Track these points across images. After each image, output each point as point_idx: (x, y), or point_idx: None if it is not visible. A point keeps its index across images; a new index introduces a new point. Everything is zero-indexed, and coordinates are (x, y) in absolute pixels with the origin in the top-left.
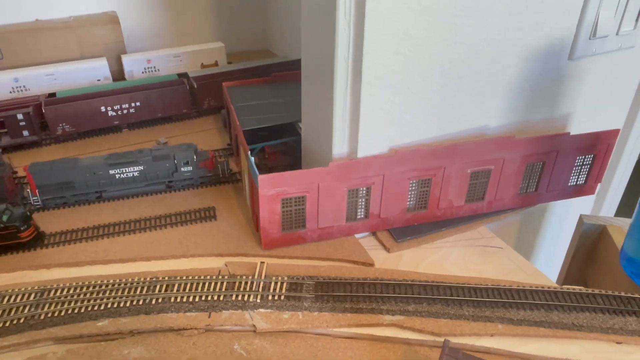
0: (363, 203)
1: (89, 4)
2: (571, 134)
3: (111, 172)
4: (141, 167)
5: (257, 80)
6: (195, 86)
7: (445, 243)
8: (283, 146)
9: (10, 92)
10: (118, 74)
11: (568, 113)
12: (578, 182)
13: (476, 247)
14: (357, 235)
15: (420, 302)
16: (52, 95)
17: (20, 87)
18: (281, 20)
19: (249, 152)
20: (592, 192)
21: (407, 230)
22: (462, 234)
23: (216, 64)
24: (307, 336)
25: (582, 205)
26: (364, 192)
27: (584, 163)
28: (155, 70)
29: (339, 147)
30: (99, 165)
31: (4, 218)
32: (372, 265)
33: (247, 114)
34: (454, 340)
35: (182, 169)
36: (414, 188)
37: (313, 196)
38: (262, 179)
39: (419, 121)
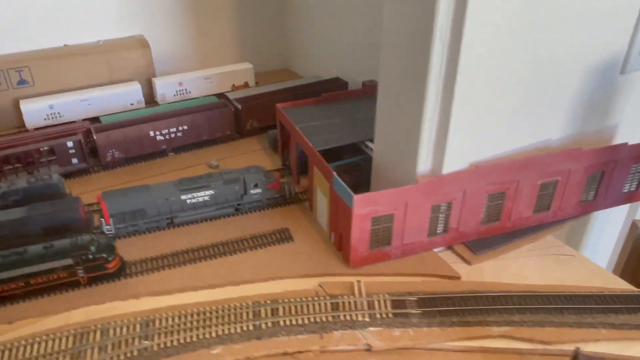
0: (442, 218)
1: (115, 28)
2: (620, 143)
3: (183, 197)
4: (212, 192)
5: (308, 100)
6: (240, 108)
7: (520, 253)
8: (345, 165)
9: (45, 119)
10: (148, 97)
11: (616, 124)
12: (630, 189)
13: (549, 255)
14: (435, 250)
15: (524, 312)
16: (95, 120)
17: (54, 113)
18: (302, 40)
19: (334, 173)
20: None
21: (482, 243)
22: (532, 243)
23: (247, 85)
24: (420, 352)
25: (617, 211)
26: (445, 207)
27: (637, 171)
28: (186, 93)
29: (424, 165)
30: (171, 191)
31: (92, 249)
32: (458, 278)
33: (314, 134)
34: (562, 347)
35: (252, 191)
36: (489, 202)
37: (400, 213)
38: (358, 198)
39: (495, 136)
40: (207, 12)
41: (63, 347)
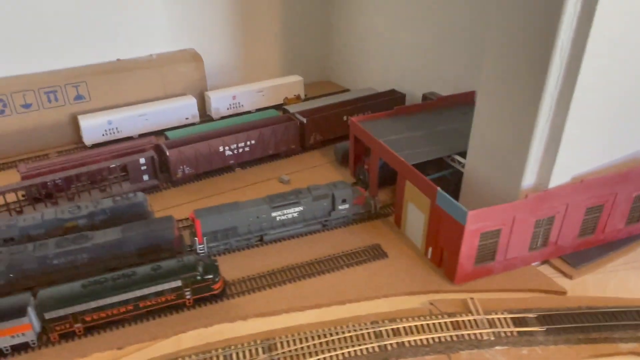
0: (543, 232)
1: (166, 42)
2: None
3: (273, 214)
4: (301, 208)
5: (381, 114)
6: (305, 122)
7: (617, 267)
8: (433, 179)
9: (103, 135)
10: (201, 110)
11: None
12: None
13: None
14: (533, 265)
15: None
16: (152, 134)
17: (113, 129)
18: (343, 53)
19: (438, 188)
20: None
21: (578, 256)
22: (626, 256)
23: (299, 98)
24: None
25: None
26: (546, 222)
27: None
28: (239, 106)
29: (529, 179)
30: (262, 208)
31: (200, 270)
32: (564, 293)
33: (400, 148)
34: None
35: (340, 207)
36: (587, 214)
37: (507, 229)
38: (471, 214)
39: (596, 149)
40: (254, 25)
41: None
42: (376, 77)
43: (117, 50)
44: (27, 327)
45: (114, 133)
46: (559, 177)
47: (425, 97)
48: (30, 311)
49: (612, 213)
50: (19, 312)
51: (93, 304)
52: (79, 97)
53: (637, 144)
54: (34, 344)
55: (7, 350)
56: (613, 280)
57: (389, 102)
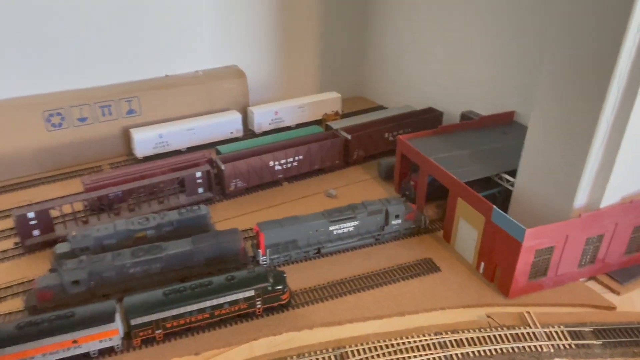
0: (592, 250)
1: (211, 59)
2: None
3: (331, 228)
4: (356, 222)
5: (426, 132)
6: (350, 138)
7: None
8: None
9: (154, 148)
10: (244, 125)
11: None
12: None
13: None
14: (580, 280)
15: None
16: (214, 149)
17: (163, 142)
18: (378, 71)
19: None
20: None
21: (624, 273)
22: None
23: (337, 114)
24: None
25: None
26: (596, 239)
27: None
28: (281, 121)
29: (581, 199)
30: (320, 222)
31: (271, 280)
32: (614, 308)
33: (450, 166)
34: None
35: (393, 222)
36: (634, 233)
37: (560, 246)
38: (529, 232)
39: None
40: (294, 42)
41: None
42: (410, 94)
43: (166, 66)
44: (115, 332)
45: (164, 146)
46: (610, 197)
47: (464, 115)
48: (118, 317)
49: None
50: (108, 318)
51: (174, 312)
52: (130, 112)
53: None
54: (118, 348)
55: (94, 354)
56: None
57: (427, 120)
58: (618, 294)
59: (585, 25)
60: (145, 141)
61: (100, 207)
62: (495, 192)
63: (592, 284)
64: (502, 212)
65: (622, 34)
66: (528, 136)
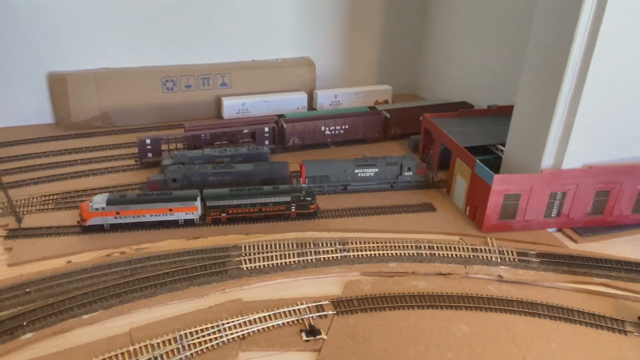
0: (557, 204)
1: (289, 50)
2: None
3: (356, 171)
4: (376, 170)
5: (448, 114)
6: (388, 116)
7: (619, 241)
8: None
9: (237, 113)
10: (309, 104)
11: None
12: None
13: None
14: (548, 230)
15: (620, 271)
16: (281, 116)
17: (244, 109)
18: (429, 71)
19: (477, 160)
20: None
21: (587, 230)
22: (630, 236)
23: (386, 102)
24: (538, 287)
25: None
26: (560, 196)
27: None
28: (339, 104)
29: (547, 161)
30: (349, 165)
31: (304, 193)
32: (567, 248)
33: (458, 136)
34: None
35: (405, 173)
36: (596, 197)
37: (525, 194)
38: (497, 178)
39: (605, 146)
40: (357, 43)
41: (290, 248)
42: (453, 91)
43: (254, 53)
44: (195, 209)
45: (244, 112)
46: (571, 162)
47: (488, 107)
48: (199, 199)
49: (619, 199)
50: (193, 198)
51: (235, 202)
52: (223, 84)
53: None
54: (197, 222)
55: (181, 222)
56: (611, 249)
57: (458, 109)
58: (576, 242)
59: (548, 24)
60: (231, 107)
61: (194, 145)
62: (490, 158)
63: (557, 234)
64: (481, 164)
65: (573, 31)
66: (514, 112)
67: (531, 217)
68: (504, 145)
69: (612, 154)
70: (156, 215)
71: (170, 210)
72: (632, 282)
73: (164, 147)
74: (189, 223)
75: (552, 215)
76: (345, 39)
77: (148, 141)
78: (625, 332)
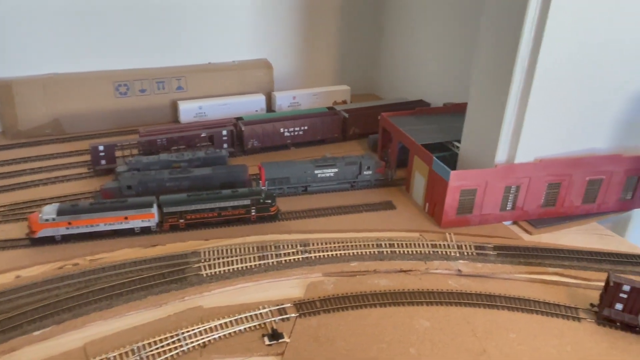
0: (511, 198)
1: (246, 52)
2: None
3: (316, 172)
4: (336, 170)
5: (405, 112)
6: (347, 116)
7: (570, 231)
8: (437, 158)
9: (194, 117)
10: (268, 106)
11: None
12: None
13: (594, 235)
14: (504, 223)
15: (572, 260)
16: (240, 119)
17: (201, 113)
18: (387, 70)
19: (434, 157)
20: None
21: (541, 221)
22: (580, 226)
23: (345, 102)
24: (496, 279)
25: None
26: (514, 189)
27: None
28: (298, 105)
29: (501, 156)
30: (308, 166)
31: (263, 195)
32: (522, 240)
33: (415, 134)
34: (599, 284)
35: (365, 172)
36: (548, 189)
37: (481, 189)
38: (453, 174)
39: (555, 140)
40: (315, 44)
41: (250, 251)
42: (411, 90)
43: (210, 55)
44: (152, 216)
45: (202, 116)
46: (523, 156)
47: (444, 105)
48: (155, 206)
49: (569, 191)
50: (149, 205)
51: (193, 207)
52: (179, 88)
53: (594, 143)
54: (154, 229)
55: (137, 229)
56: (564, 239)
57: (415, 107)
58: (530, 233)
59: (495, 22)
60: (188, 110)
61: (150, 151)
62: (446, 154)
63: (513, 227)
64: (438, 161)
65: (520, 27)
66: (468, 108)
67: (487, 211)
68: (460, 142)
69: (562, 147)
70: (111, 224)
71: (126, 218)
72: (583, 270)
73: (118, 153)
74: (145, 231)
75: (508, 208)
76: (303, 40)
77: (101, 148)
78: (579, 319)
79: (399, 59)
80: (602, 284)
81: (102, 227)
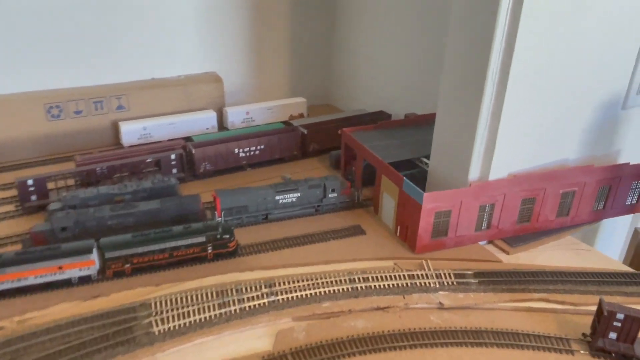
0: (486, 217)
1: (193, 65)
2: (623, 163)
3: (277, 197)
4: (299, 194)
5: (367, 127)
6: (306, 132)
7: (546, 248)
8: (406, 176)
9: (139, 139)
10: (219, 123)
11: (619, 150)
12: (632, 202)
13: (570, 250)
14: (479, 243)
15: (556, 283)
16: (189, 140)
17: (146, 134)
18: (343, 80)
19: (404, 178)
20: None
21: (516, 239)
22: (555, 241)
23: (302, 116)
24: (480, 310)
25: (622, 220)
26: (489, 208)
27: (637, 187)
28: (252, 121)
29: (474, 173)
30: (268, 192)
31: (220, 230)
32: (500, 262)
33: (380, 152)
34: (587, 308)
35: (330, 195)
36: (522, 205)
37: (456, 210)
38: (427, 196)
39: (528, 153)
40: (266, 54)
41: (209, 298)
42: (368, 101)
43: (153, 70)
44: (92, 263)
45: (147, 137)
46: (497, 172)
47: (406, 116)
48: (95, 251)
49: (544, 205)
50: (88, 251)
51: (140, 250)
52: (120, 107)
53: (565, 154)
54: (94, 277)
55: (75, 280)
56: (541, 257)
57: (376, 120)
58: (507, 253)
59: (463, 36)
60: (131, 132)
61: (89, 182)
62: (415, 172)
63: (489, 247)
64: (409, 182)
65: (490, 40)
66: (436, 124)
67: (463, 232)
68: (427, 157)
69: (534, 160)
70: (42, 275)
71: (60, 267)
72: (569, 293)
73: (51, 185)
74: (85, 280)
75: (483, 228)
76: (253, 50)
77: (30, 182)
78: (572, 352)
79: (355, 68)
80: (590, 308)
81: (32, 281)
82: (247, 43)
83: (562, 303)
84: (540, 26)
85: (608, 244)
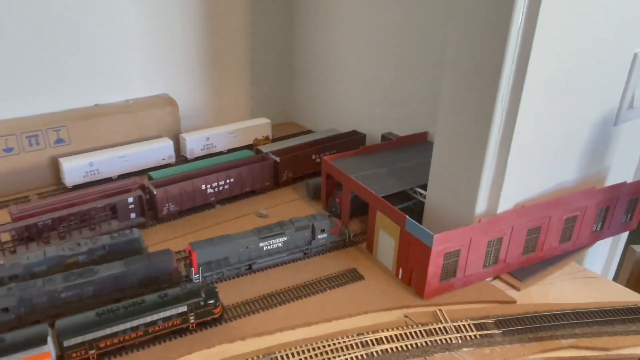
0: (493, 252)
1: (142, 88)
2: (621, 182)
3: (261, 244)
4: (285, 238)
5: (349, 153)
6: (278, 161)
7: (554, 279)
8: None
9: (84, 177)
10: (176, 152)
11: (608, 166)
12: (627, 220)
13: (578, 279)
14: (486, 280)
15: (582, 325)
16: (148, 176)
17: (93, 170)
18: (306, 96)
19: (406, 216)
20: (634, 227)
21: (523, 271)
22: (561, 270)
23: (267, 139)
24: None
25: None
26: (496, 242)
27: (631, 205)
28: (213, 147)
29: (481, 206)
30: (250, 239)
31: (203, 296)
32: (514, 302)
33: (370, 182)
34: (619, 352)
35: (319, 236)
36: (528, 235)
37: (465, 249)
38: (437, 237)
39: (534, 180)
40: (222, 71)
41: None
42: (337, 118)
43: (95, 96)
44: (47, 356)
45: (94, 174)
46: (505, 204)
47: (384, 137)
48: (50, 340)
49: (548, 233)
50: (40, 341)
51: (107, 331)
52: (59, 141)
53: (564, 176)
54: None
55: None
56: (553, 290)
57: (351, 141)
58: (518, 289)
59: (466, 64)
60: (75, 170)
61: (29, 236)
62: (410, 204)
63: (496, 283)
64: (414, 221)
65: (500, 66)
66: (434, 153)
67: (471, 271)
68: (421, 187)
69: (538, 187)
70: None
71: None
72: (597, 337)
73: None
74: None
75: (490, 264)
76: (209, 70)
77: None
78: None
79: (316, 83)
80: (622, 352)
81: None
82: (201, 61)
83: (593, 349)
84: (551, 51)
85: (591, 261)
